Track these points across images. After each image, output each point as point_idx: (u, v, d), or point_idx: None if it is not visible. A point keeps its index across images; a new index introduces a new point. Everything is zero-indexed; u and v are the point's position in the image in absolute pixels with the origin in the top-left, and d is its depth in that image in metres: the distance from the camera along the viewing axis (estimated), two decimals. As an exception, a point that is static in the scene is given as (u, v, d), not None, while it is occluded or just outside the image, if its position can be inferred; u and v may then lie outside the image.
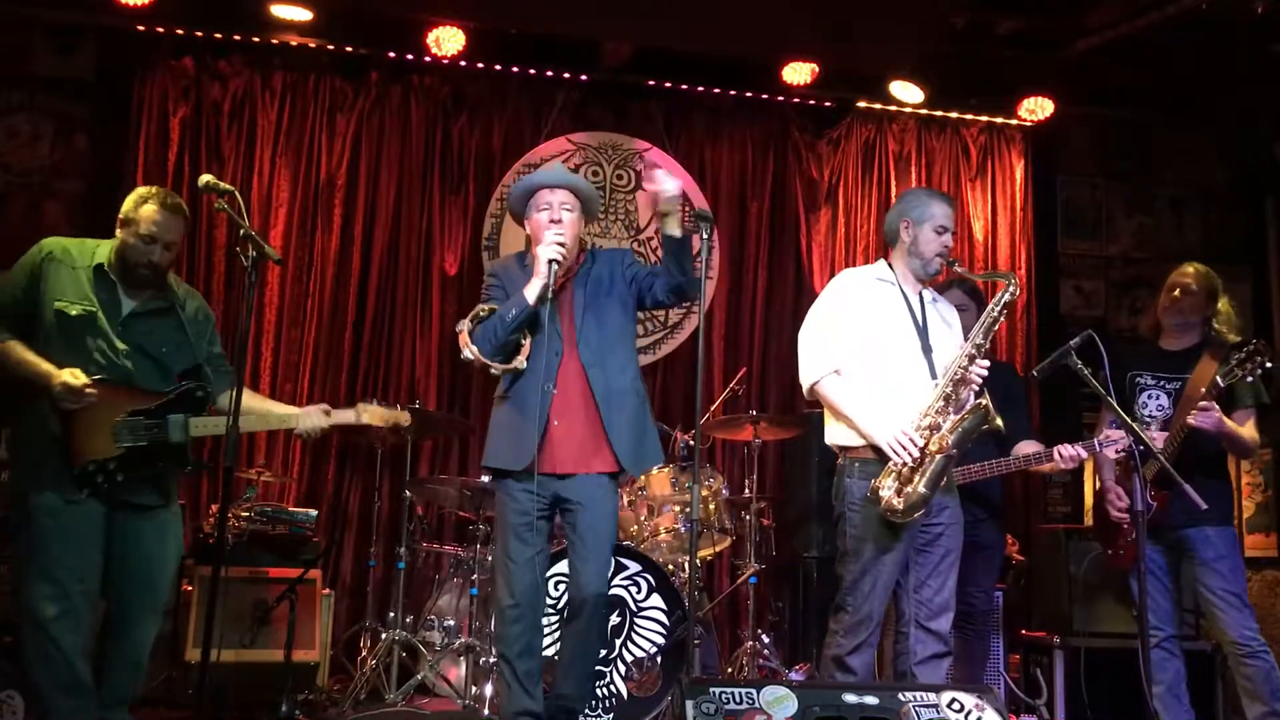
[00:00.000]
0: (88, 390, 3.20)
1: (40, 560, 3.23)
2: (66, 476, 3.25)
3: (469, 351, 3.38)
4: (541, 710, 3.40)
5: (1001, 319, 3.59)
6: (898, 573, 3.47)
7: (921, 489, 3.35)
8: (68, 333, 3.29)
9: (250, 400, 3.46)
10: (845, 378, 3.53)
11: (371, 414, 3.57)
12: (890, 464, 3.40)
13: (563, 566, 3.99)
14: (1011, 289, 3.58)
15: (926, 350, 3.56)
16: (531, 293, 3.34)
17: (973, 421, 3.42)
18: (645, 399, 3.56)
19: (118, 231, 3.38)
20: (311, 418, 3.50)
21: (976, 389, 3.48)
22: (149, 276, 3.38)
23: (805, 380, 3.59)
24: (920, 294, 3.66)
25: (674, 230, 3.33)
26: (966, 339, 3.56)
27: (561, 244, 3.36)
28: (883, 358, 3.53)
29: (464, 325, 3.43)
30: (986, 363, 3.50)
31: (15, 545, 3.38)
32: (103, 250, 3.40)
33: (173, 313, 3.46)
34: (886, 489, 3.37)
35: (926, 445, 3.39)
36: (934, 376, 3.53)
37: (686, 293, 3.44)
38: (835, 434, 3.60)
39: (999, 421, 3.42)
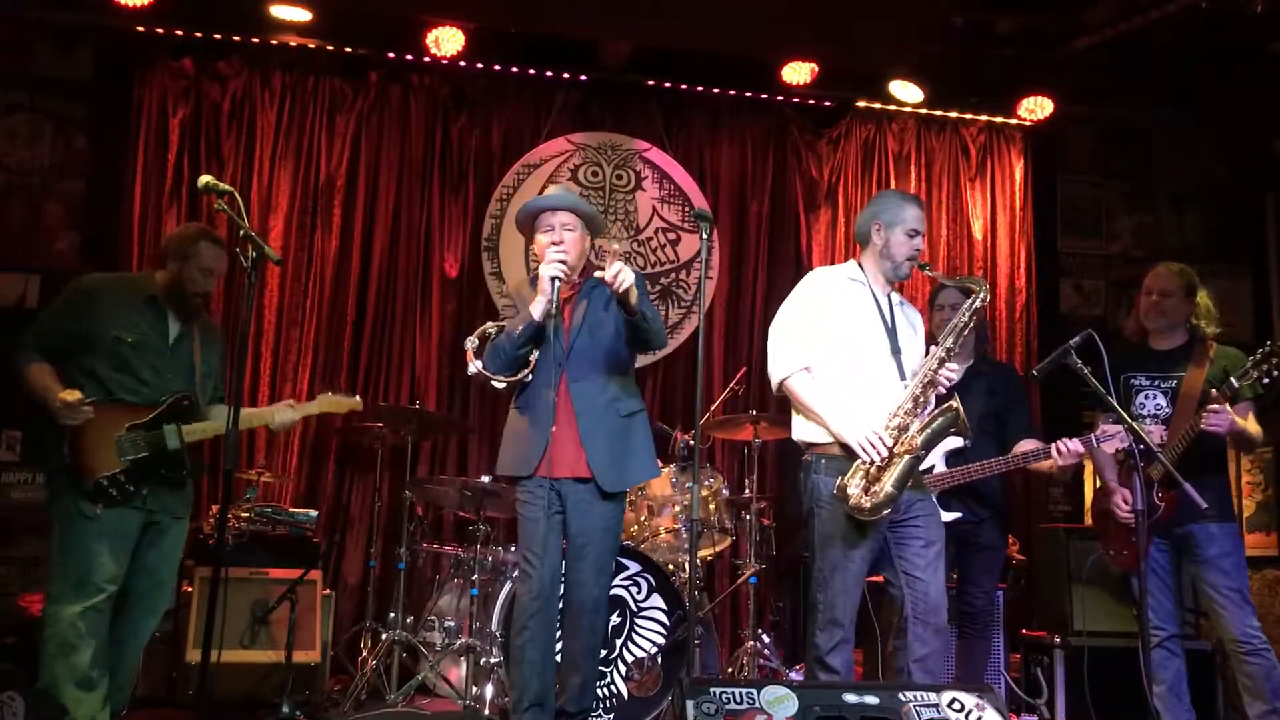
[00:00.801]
0: (84, 406, 3.45)
1: (72, 561, 3.44)
2: (82, 490, 3.47)
3: (474, 366, 3.59)
4: (551, 702, 3.48)
5: (972, 324, 3.60)
6: (866, 569, 3.47)
7: (889, 488, 3.35)
8: (124, 357, 3.59)
9: (224, 407, 3.75)
10: (817, 375, 3.53)
11: (327, 402, 4.05)
12: (858, 462, 3.40)
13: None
14: (982, 295, 3.58)
15: (896, 352, 3.57)
16: (536, 309, 3.51)
17: (942, 423, 3.42)
18: (633, 417, 3.65)
19: (170, 264, 3.71)
20: (283, 413, 3.90)
21: (944, 391, 3.49)
22: (202, 304, 3.79)
23: (775, 376, 3.58)
24: (889, 296, 3.67)
25: (628, 308, 3.45)
26: (938, 342, 3.56)
27: (562, 261, 3.51)
28: (857, 357, 3.53)
29: (471, 343, 3.64)
30: (955, 366, 3.51)
31: (47, 544, 3.57)
32: (146, 283, 3.74)
33: (199, 329, 3.79)
34: (854, 487, 3.37)
35: (895, 446, 3.39)
36: (903, 378, 3.53)
37: (650, 346, 3.67)
38: (802, 430, 3.60)
39: (967, 426, 3.43)
